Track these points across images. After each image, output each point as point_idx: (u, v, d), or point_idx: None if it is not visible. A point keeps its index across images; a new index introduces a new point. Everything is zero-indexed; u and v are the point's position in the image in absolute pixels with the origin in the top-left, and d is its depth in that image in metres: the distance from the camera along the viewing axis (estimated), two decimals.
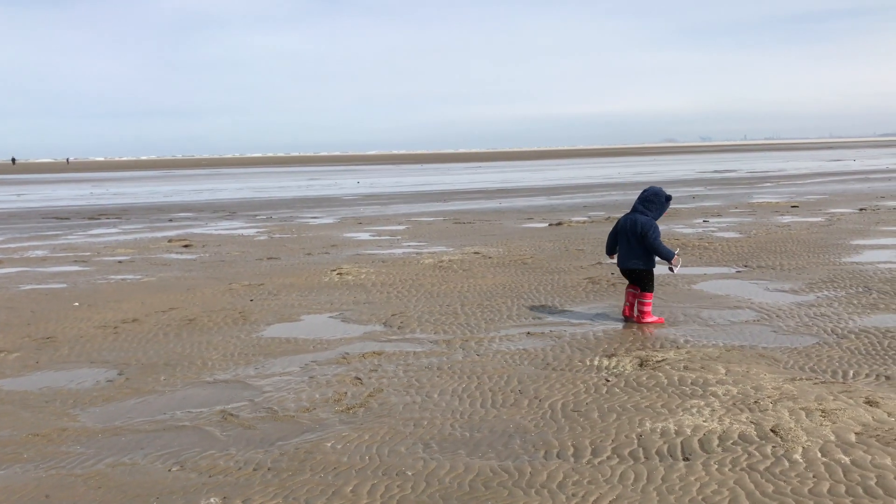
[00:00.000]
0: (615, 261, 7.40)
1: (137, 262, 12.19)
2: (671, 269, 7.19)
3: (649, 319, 7.06)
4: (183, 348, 6.77)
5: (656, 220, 7.16)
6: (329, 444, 4.44)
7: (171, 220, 20.41)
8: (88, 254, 13.48)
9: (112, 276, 10.79)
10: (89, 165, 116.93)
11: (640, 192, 7.35)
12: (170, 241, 15.12)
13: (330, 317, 7.87)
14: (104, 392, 5.61)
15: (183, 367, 6.20)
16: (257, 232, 16.65)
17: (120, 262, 12.35)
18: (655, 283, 7.34)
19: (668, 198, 7.25)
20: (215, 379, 5.85)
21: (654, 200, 7.16)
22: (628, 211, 7.33)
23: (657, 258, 7.16)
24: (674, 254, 7.09)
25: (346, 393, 5.35)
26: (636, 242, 7.08)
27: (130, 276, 10.75)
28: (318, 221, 18.93)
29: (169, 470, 4.18)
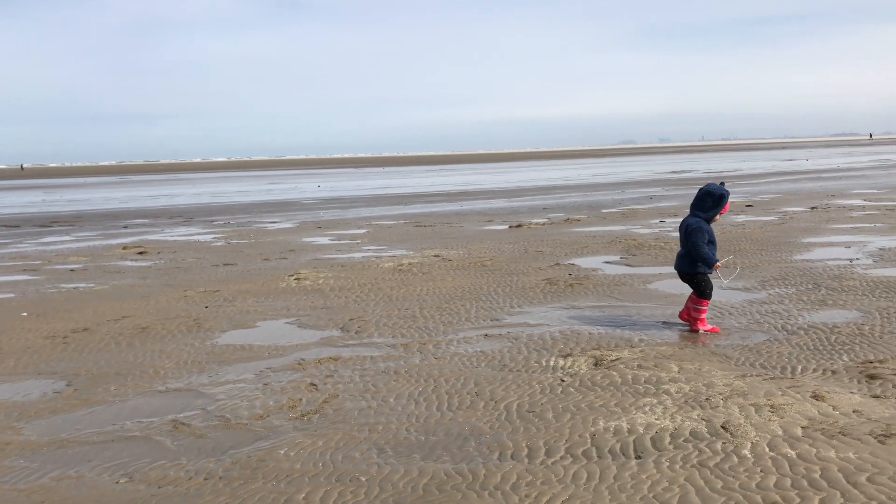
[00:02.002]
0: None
1: (90, 271, 11.94)
2: (721, 279, 6.72)
3: (703, 328, 6.69)
4: (135, 357, 6.64)
5: (710, 220, 6.76)
6: (282, 452, 4.39)
7: (125, 227, 20.03)
8: (39, 262, 13.16)
9: (63, 285, 10.54)
10: (43, 172, 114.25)
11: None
12: (124, 248, 14.84)
13: (286, 322, 7.79)
14: (51, 404, 5.47)
15: (134, 376, 6.08)
16: (214, 237, 16.43)
17: (72, 270, 12.08)
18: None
19: (721, 197, 6.72)
20: (167, 388, 5.75)
21: (705, 200, 6.75)
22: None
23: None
24: (715, 260, 6.69)
25: (300, 399, 5.29)
26: (683, 245, 6.85)
27: (82, 285, 10.51)
28: (276, 226, 18.75)
29: (116, 482, 4.09)
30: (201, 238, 16.45)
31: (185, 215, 23.51)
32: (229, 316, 8.15)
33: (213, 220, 21.13)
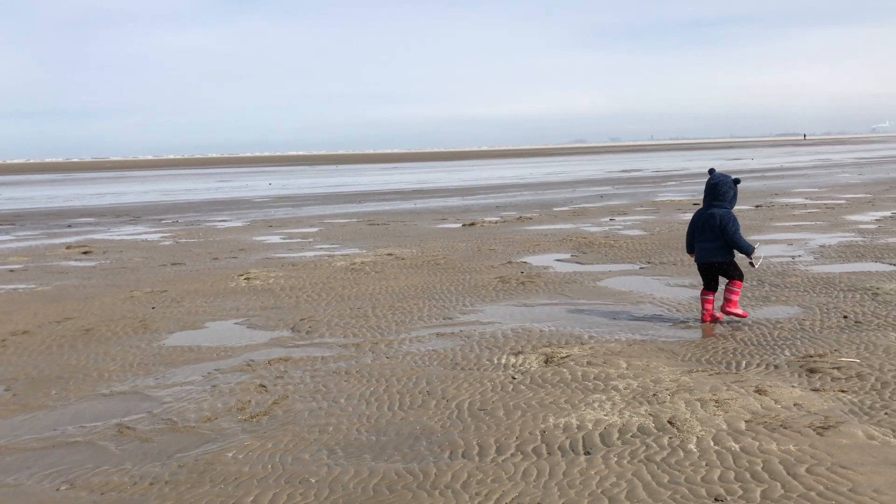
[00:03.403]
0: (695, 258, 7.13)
1: (31, 271, 11.58)
2: (752, 265, 6.95)
3: (733, 310, 6.80)
4: (78, 360, 6.46)
5: (732, 208, 6.92)
6: (230, 455, 4.32)
7: (70, 226, 19.49)
8: None
9: (2, 286, 10.20)
10: None
11: (706, 185, 7.03)
12: (68, 247, 14.44)
13: (236, 323, 7.68)
14: None
15: (77, 379, 5.92)
16: (162, 237, 16.10)
17: (11, 270, 11.70)
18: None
19: (737, 181, 6.96)
20: (112, 391, 5.61)
21: (725, 191, 6.84)
22: (701, 207, 7.10)
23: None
24: (753, 248, 6.87)
25: (249, 401, 5.22)
26: (714, 237, 6.84)
27: (22, 286, 10.19)
28: (226, 225, 18.46)
29: (57, 489, 3.98)
30: (149, 237, 16.11)
31: (132, 214, 22.99)
32: (177, 317, 7.99)
33: (161, 219, 20.70)
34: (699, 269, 7.13)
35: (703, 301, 6.99)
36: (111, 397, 5.47)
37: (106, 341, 7.06)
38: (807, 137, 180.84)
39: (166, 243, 14.83)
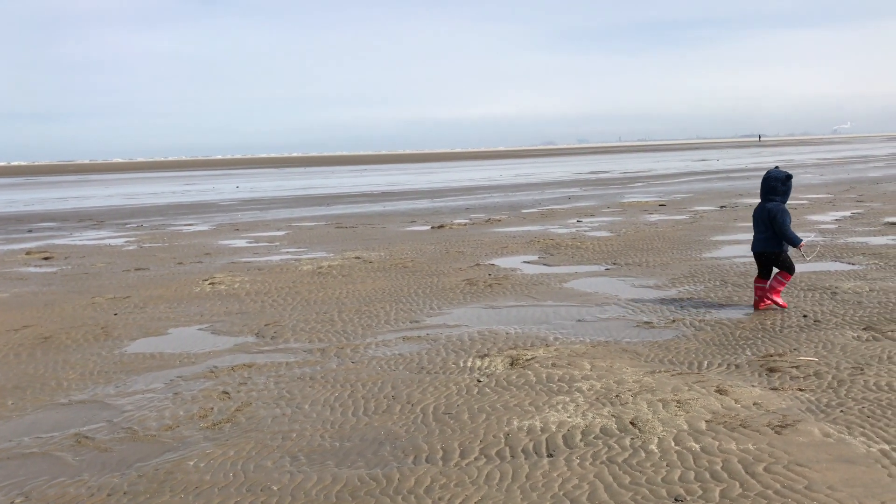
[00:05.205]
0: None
1: None
2: (804, 258, 7.18)
3: (775, 298, 7.25)
4: (36, 369, 6.33)
5: (785, 202, 7.36)
6: (191, 463, 4.26)
7: (30, 231, 19.11)
8: None
9: None
10: None
11: (760, 182, 7.49)
12: (28, 253, 14.15)
13: (199, 329, 7.58)
14: None
15: (34, 389, 5.80)
16: (126, 241, 15.86)
17: None
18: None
19: (789, 176, 7.38)
20: (70, 400, 5.51)
21: (775, 185, 7.31)
22: (759, 201, 7.52)
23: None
24: (800, 240, 7.28)
25: (212, 408, 5.16)
26: (766, 228, 7.31)
27: None
28: (191, 229, 18.23)
29: (11, 502, 3.89)
30: (112, 242, 15.85)
31: (95, 218, 22.61)
32: (139, 323, 7.88)
33: (125, 223, 20.39)
34: (755, 258, 7.57)
35: (756, 288, 7.42)
36: (70, 407, 5.37)
37: (65, 349, 6.93)
38: (762, 139, 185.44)
39: (130, 248, 14.61)
